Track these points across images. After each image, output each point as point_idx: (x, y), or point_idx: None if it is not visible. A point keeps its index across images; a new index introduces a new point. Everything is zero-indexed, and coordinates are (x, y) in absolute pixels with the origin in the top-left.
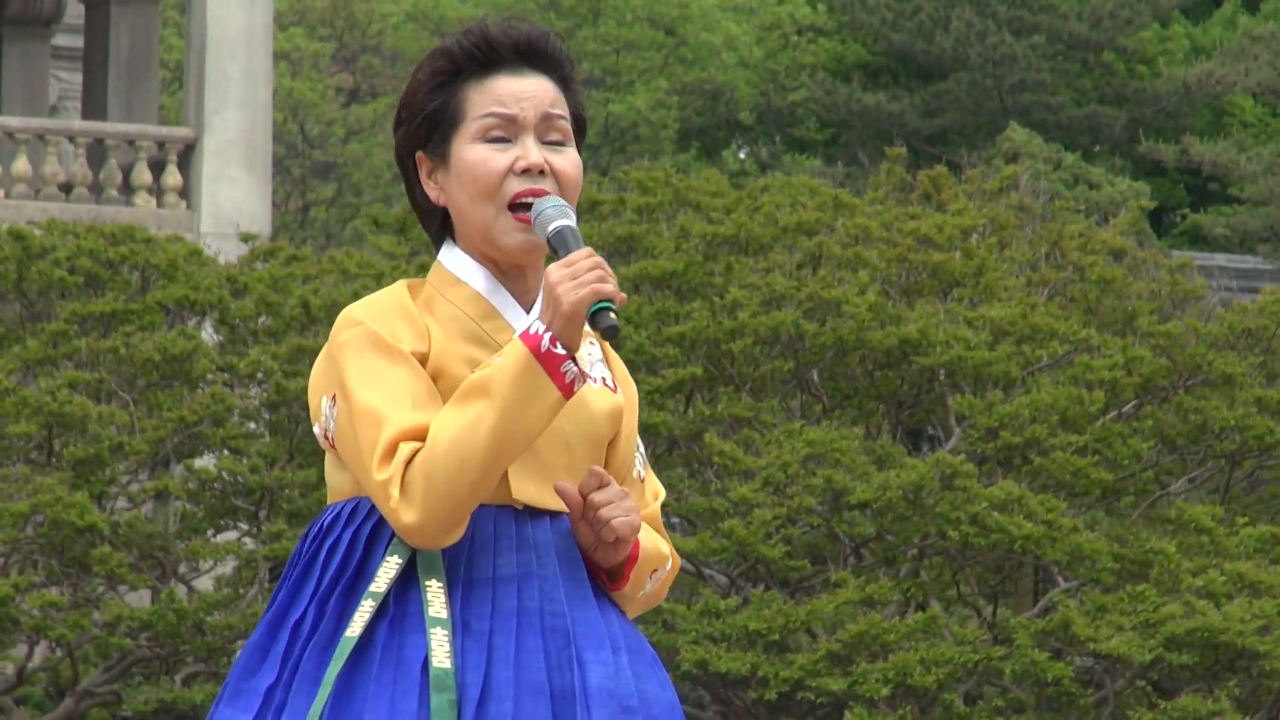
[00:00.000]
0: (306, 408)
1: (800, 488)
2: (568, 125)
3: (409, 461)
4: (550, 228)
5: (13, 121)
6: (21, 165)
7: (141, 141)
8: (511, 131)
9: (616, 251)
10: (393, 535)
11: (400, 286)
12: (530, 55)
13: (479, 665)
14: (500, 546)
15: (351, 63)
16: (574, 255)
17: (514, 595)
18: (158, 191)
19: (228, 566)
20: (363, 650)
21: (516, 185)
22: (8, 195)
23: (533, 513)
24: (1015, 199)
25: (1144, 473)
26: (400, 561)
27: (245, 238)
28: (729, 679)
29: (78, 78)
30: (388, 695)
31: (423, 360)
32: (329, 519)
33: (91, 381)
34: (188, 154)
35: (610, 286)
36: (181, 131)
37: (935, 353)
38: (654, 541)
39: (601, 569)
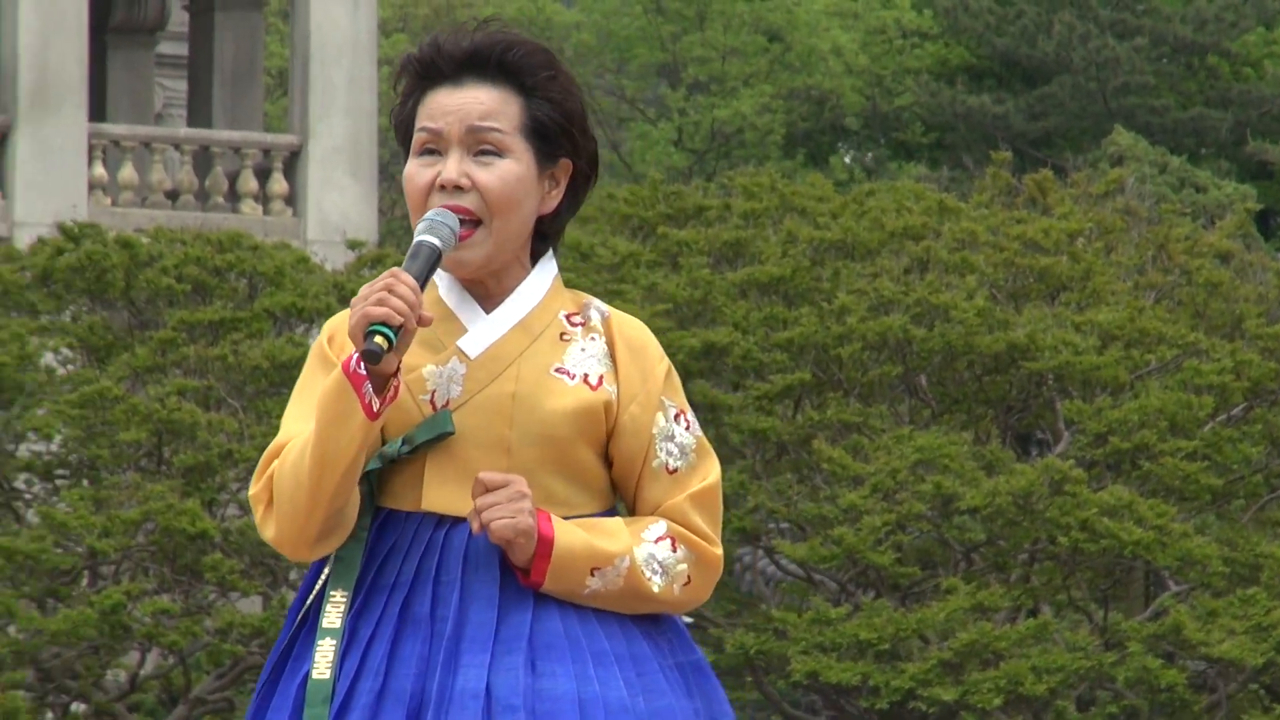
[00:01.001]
0: None
1: (910, 494)
2: (502, 137)
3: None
4: (414, 240)
5: (119, 129)
6: (128, 173)
7: (247, 149)
8: (441, 145)
9: (723, 257)
10: None
11: None
12: (474, 65)
13: (349, 674)
14: (409, 553)
15: None
16: (380, 275)
17: (401, 601)
18: (264, 199)
19: None
20: (284, 662)
21: (436, 201)
22: (115, 203)
23: (456, 519)
24: (1121, 202)
25: (1253, 476)
26: (328, 572)
27: (351, 244)
28: (840, 686)
29: (182, 85)
30: (279, 709)
31: None
32: None
33: (200, 389)
34: (293, 161)
35: (380, 310)
36: (287, 139)
37: (1043, 357)
38: (586, 541)
39: (518, 568)
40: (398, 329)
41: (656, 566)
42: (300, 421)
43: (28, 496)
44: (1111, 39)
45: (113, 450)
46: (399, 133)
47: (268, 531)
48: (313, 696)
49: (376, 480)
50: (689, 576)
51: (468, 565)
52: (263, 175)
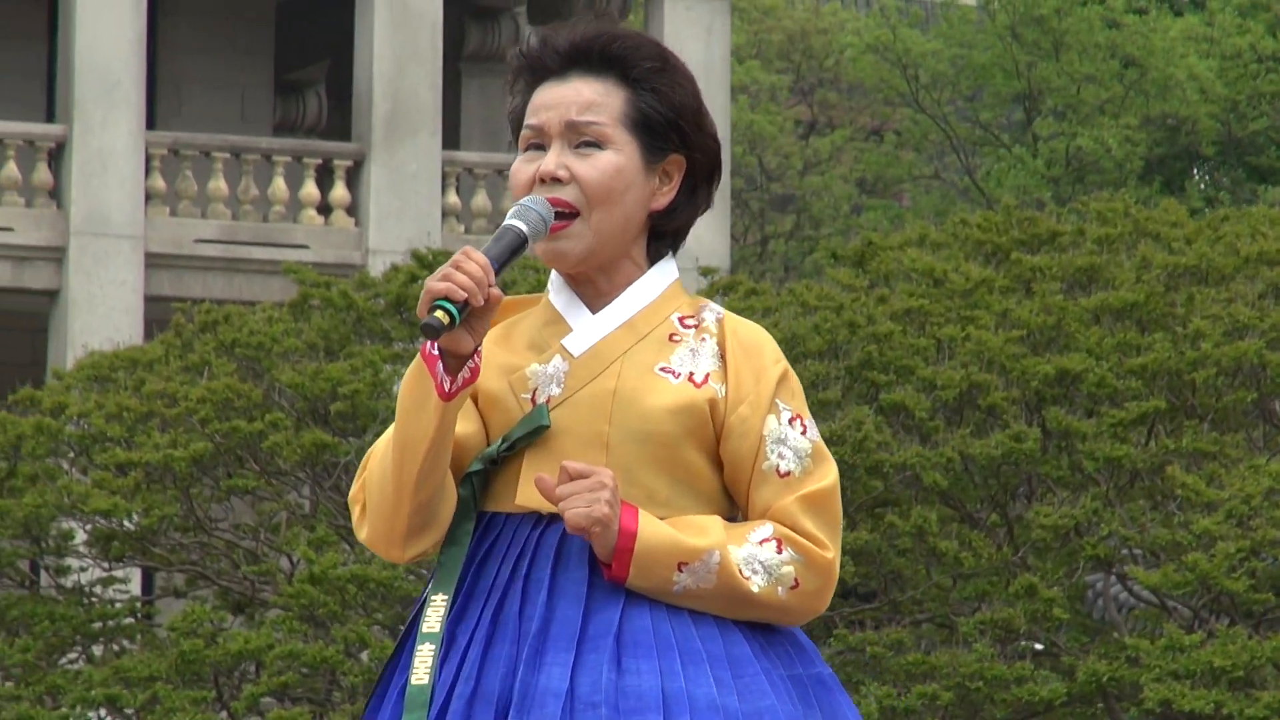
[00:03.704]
0: None
1: (1264, 520)
2: (603, 129)
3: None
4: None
5: (472, 157)
6: (481, 200)
7: None
8: (544, 140)
9: (1077, 283)
10: None
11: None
12: (579, 59)
13: (447, 679)
14: (506, 554)
15: (809, 95)
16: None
17: (496, 603)
18: None
19: None
20: (390, 672)
21: (538, 195)
22: (468, 230)
23: (554, 517)
24: None
25: None
26: (432, 577)
27: (704, 272)
28: (1194, 714)
29: None
30: (382, 716)
31: None
32: None
33: None
34: None
35: (442, 285)
36: None
37: None
38: (671, 535)
39: (603, 562)
40: (462, 306)
41: (757, 566)
42: None
43: None
44: None
45: None
46: (513, 130)
47: (361, 532)
48: (411, 702)
49: (480, 484)
50: (796, 579)
51: (558, 563)
52: None
